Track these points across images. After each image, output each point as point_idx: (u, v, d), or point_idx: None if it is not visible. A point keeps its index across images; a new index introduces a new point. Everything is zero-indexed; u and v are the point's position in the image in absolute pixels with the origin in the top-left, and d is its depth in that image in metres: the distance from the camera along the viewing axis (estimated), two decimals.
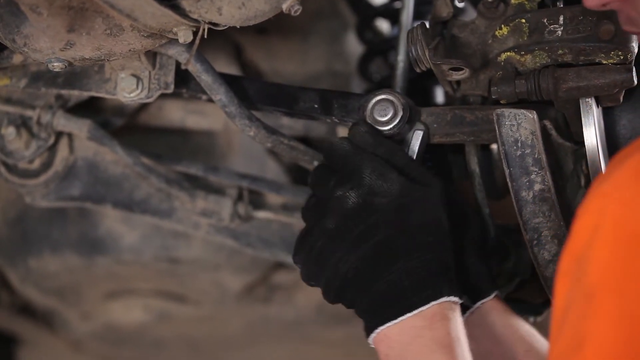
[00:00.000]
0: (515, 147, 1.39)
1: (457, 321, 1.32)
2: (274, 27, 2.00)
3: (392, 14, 2.05)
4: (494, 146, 1.62)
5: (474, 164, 1.58)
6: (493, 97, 1.44)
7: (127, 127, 1.88)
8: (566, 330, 1.07)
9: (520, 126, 1.39)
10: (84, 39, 1.36)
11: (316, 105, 1.55)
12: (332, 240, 1.36)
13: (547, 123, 1.44)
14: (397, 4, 2.00)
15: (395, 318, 1.31)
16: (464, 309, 1.43)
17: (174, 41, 1.40)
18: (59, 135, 1.78)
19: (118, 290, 2.14)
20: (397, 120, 1.45)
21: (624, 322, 1.02)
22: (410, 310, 1.31)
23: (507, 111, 1.40)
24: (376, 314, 1.33)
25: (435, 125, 1.49)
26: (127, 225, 1.96)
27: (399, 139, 1.47)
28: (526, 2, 1.44)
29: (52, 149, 1.79)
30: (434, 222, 1.36)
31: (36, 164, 1.79)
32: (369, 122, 1.46)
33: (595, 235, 1.05)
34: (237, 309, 2.17)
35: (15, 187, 1.81)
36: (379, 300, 1.33)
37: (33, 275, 2.05)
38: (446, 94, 1.84)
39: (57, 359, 2.50)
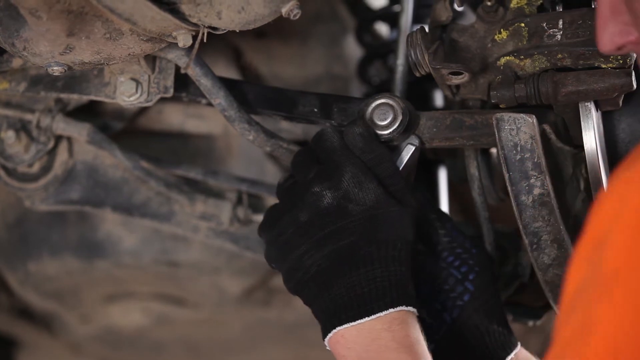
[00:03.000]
0: (514, 152, 1.39)
1: (416, 327, 1.33)
2: (274, 30, 2.00)
3: (391, 17, 2.05)
4: (494, 150, 1.62)
5: (474, 168, 1.58)
6: (492, 101, 1.44)
7: (126, 131, 1.87)
8: (576, 315, 1.04)
9: (519, 130, 1.39)
10: (83, 42, 1.36)
11: (315, 109, 1.55)
12: (301, 233, 1.37)
13: (547, 127, 1.44)
14: (396, 8, 2.00)
15: (353, 320, 1.32)
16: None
17: (173, 45, 1.40)
18: (58, 139, 1.78)
19: (117, 293, 2.14)
20: (396, 125, 1.45)
21: (636, 310, 0.99)
22: (368, 315, 1.32)
23: (506, 115, 1.40)
24: (334, 315, 1.33)
25: (434, 130, 1.48)
26: (126, 228, 1.96)
27: (396, 144, 1.47)
28: (525, 6, 1.44)
29: (52, 152, 1.79)
30: (401, 239, 1.37)
31: (35, 167, 1.79)
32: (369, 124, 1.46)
33: (615, 221, 1.03)
34: (236, 312, 2.17)
35: (15, 191, 1.81)
36: (337, 301, 1.33)
37: (32, 278, 2.05)
38: (445, 98, 1.84)
39: None
